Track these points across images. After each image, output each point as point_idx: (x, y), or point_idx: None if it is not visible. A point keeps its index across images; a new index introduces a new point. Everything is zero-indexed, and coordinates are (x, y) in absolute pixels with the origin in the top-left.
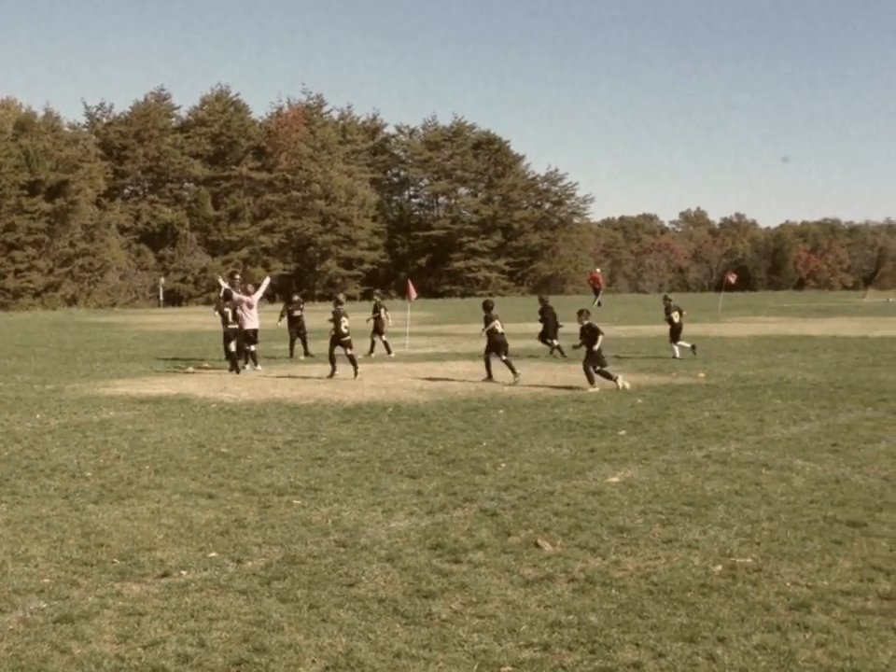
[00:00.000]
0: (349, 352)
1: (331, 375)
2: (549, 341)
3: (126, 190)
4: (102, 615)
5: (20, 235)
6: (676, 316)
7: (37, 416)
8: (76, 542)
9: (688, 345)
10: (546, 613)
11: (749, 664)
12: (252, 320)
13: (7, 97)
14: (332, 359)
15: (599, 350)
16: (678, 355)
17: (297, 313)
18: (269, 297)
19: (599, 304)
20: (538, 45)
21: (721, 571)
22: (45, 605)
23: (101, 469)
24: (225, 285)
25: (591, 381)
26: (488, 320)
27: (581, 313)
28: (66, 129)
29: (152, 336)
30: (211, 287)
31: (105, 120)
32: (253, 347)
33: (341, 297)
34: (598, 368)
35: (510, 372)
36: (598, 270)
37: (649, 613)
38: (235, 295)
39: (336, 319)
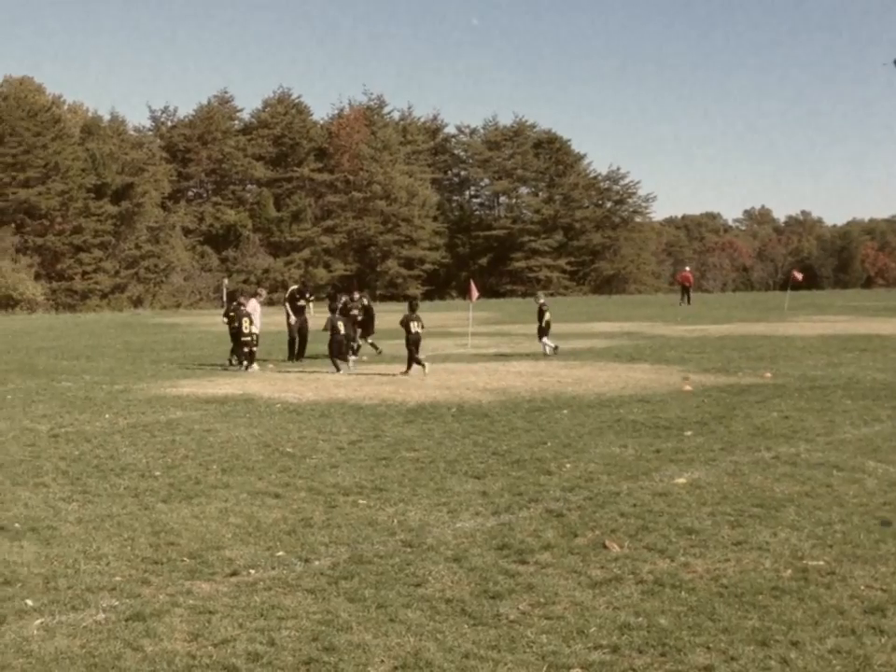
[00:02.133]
0: (254, 350)
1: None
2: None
3: (190, 193)
4: (173, 613)
5: (87, 238)
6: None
7: (106, 416)
8: (146, 541)
9: (552, 344)
10: (615, 615)
11: (824, 668)
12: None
13: (74, 102)
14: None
15: None
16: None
17: (353, 311)
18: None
19: (689, 303)
20: (599, 43)
21: (793, 574)
22: (117, 602)
23: (169, 468)
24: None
25: None
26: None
27: None
28: (132, 132)
29: (216, 336)
30: (274, 289)
31: (169, 124)
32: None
33: (242, 298)
34: None
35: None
36: (688, 268)
37: (719, 616)
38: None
39: (238, 319)
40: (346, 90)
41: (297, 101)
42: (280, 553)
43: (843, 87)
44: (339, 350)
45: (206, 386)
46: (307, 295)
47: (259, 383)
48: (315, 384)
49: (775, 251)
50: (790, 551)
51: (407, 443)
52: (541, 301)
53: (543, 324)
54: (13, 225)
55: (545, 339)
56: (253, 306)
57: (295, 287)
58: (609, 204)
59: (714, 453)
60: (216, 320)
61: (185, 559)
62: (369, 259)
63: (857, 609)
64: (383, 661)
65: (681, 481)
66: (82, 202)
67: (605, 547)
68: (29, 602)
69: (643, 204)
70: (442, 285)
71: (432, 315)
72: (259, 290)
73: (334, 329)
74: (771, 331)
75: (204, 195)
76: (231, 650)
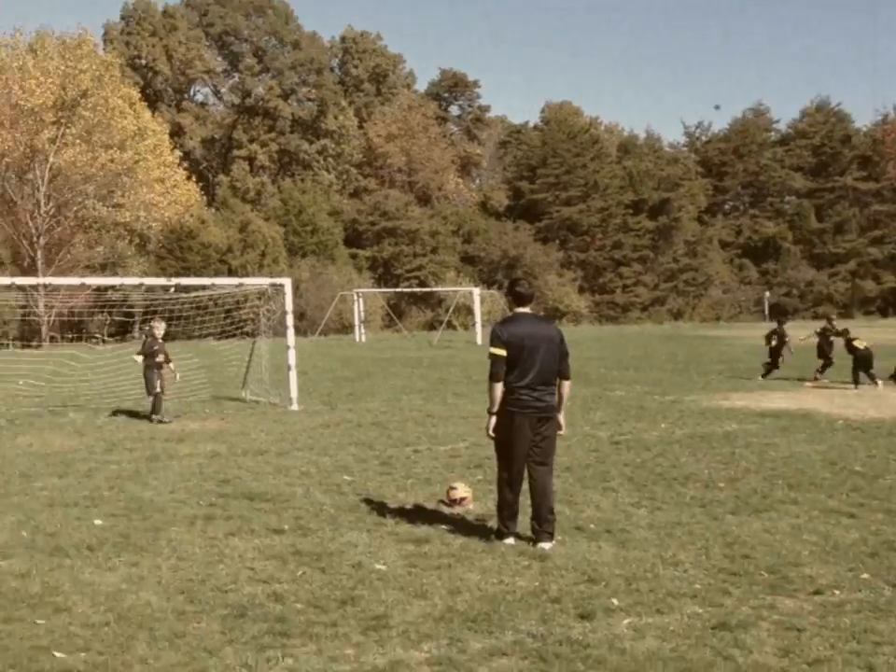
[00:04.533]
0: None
1: None
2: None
3: (726, 206)
4: (758, 626)
5: (626, 252)
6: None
7: (662, 426)
8: (720, 551)
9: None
10: None
11: None
12: None
13: (610, 122)
14: None
15: None
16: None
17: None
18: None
19: None
20: None
21: None
22: (700, 610)
23: (732, 480)
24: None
25: None
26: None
27: None
28: (667, 149)
29: (762, 350)
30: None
31: (703, 139)
32: None
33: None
34: None
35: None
36: None
37: None
38: None
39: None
40: (892, 95)
41: (836, 109)
42: (864, 576)
43: None
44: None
45: (760, 400)
46: None
47: (816, 398)
48: (876, 400)
49: None
50: None
51: None
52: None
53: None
54: (557, 241)
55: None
56: None
57: None
58: None
59: None
60: (758, 334)
61: (763, 573)
62: None
63: None
64: None
65: None
66: (621, 218)
67: None
68: (615, 601)
69: None
70: None
71: None
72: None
73: None
74: None
75: (741, 208)
76: (826, 670)
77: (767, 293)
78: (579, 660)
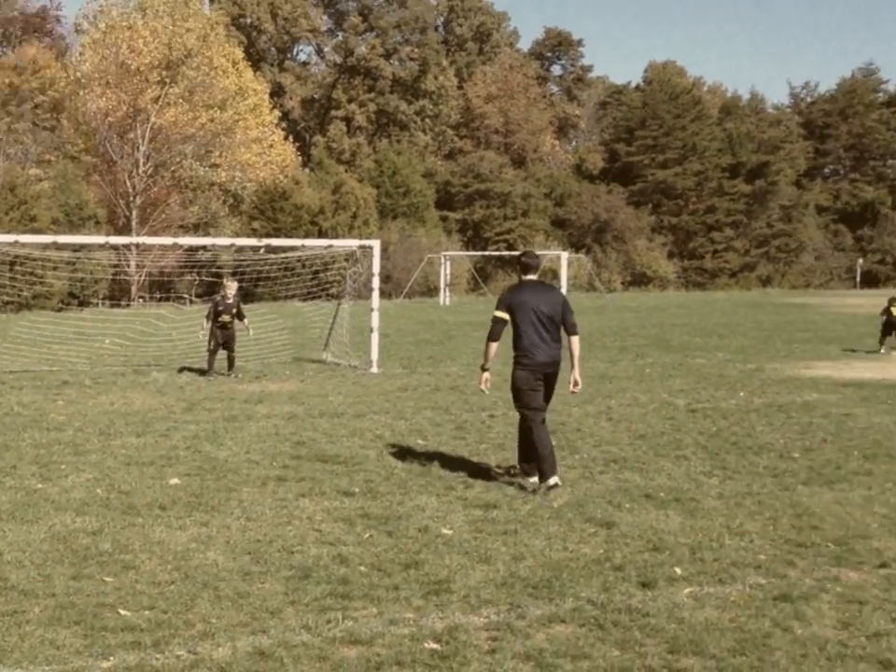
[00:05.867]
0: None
1: None
2: None
3: (826, 170)
4: (820, 598)
5: (719, 217)
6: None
7: (741, 394)
8: (788, 522)
9: None
10: None
11: None
12: None
13: (714, 82)
14: None
15: None
16: None
17: None
18: None
19: None
20: None
21: None
22: (763, 581)
23: (807, 450)
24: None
25: None
26: None
27: None
28: (770, 110)
29: (851, 318)
30: None
31: (808, 100)
32: None
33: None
34: None
35: None
36: None
37: None
38: None
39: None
40: None
41: None
42: None
43: None
44: None
45: (843, 370)
46: None
47: None
48: None
49: None
50: None
51: None
52: None
53: None
54: (650, 205)
55: None
56: None
57: None
58: None
59: None
60: (849, 301)
61: (829, 545)
62: None
63: None
64: None
65: None
66: (716, 181)
67: None
68: (678, 570)
69: None
70: None
71: None
72: None
73: None
74: None
75: (842, 171)
76: (884, 644)
77: (861, 260)
78: (636, 628)
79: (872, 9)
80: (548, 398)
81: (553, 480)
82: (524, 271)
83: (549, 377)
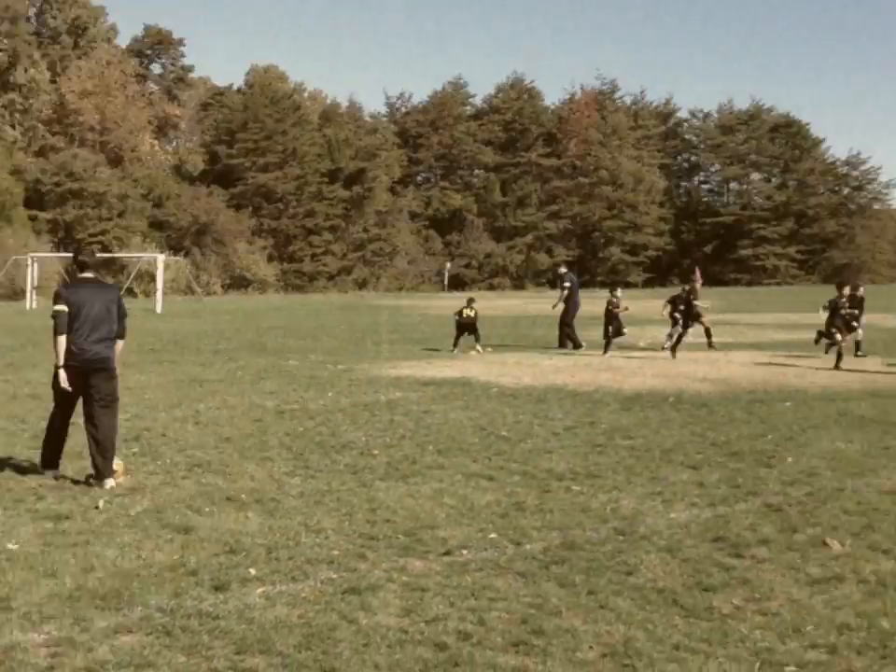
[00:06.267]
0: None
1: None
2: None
3: (419, 177)
4: (387, 588)
5: (318, 221)
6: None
7: (329, 394)
8: (363, 517)
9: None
10: (833, 615)
11: None
12: None
13: (315, 89)
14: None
15: None
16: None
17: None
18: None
19: None
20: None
21: None
22: (335, 575)
23: (387, 447)
24: None
25: None
26: None
27: None
28: (367, 118)
29: (437, 320)
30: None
31: (403, 110)
32: None
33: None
34: None
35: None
36: None
37: None
38: None
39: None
40: (579, 74)
41: (530, 86)
42: (492, 536)
43: None
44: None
45: (426, 369)
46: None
47: (477, 366)
48: (532, 369)
49: None
50: None
51: (622, 431)
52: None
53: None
54: (251, 208)
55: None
56: None
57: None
58: (846, 191)
59: None
60: (436, 304)
61: (400, 536)
62: (591, 246)
63: None
64: (591, 647)
65: None
66: (316, 186)
67: (825, 545)
68: (252, 571)
69: (883, 191)
70: (665, 272)
71: (656, 303)
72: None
73: None
74: None
75: (433, 180)
76: (441, 627)
77: (448, 264)
78: (205, 632)
79: (458, 24)
80: (99, 394)
81: (50, 473)
82: (80, 268)
83: (95, 373)
